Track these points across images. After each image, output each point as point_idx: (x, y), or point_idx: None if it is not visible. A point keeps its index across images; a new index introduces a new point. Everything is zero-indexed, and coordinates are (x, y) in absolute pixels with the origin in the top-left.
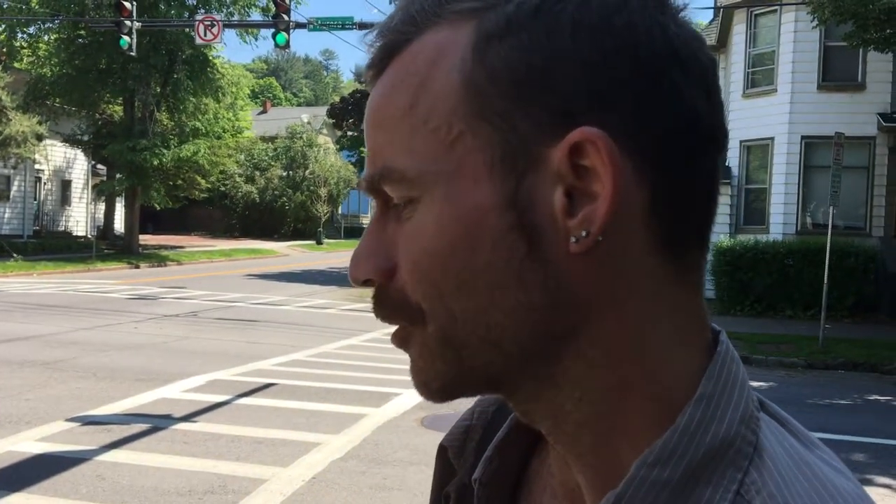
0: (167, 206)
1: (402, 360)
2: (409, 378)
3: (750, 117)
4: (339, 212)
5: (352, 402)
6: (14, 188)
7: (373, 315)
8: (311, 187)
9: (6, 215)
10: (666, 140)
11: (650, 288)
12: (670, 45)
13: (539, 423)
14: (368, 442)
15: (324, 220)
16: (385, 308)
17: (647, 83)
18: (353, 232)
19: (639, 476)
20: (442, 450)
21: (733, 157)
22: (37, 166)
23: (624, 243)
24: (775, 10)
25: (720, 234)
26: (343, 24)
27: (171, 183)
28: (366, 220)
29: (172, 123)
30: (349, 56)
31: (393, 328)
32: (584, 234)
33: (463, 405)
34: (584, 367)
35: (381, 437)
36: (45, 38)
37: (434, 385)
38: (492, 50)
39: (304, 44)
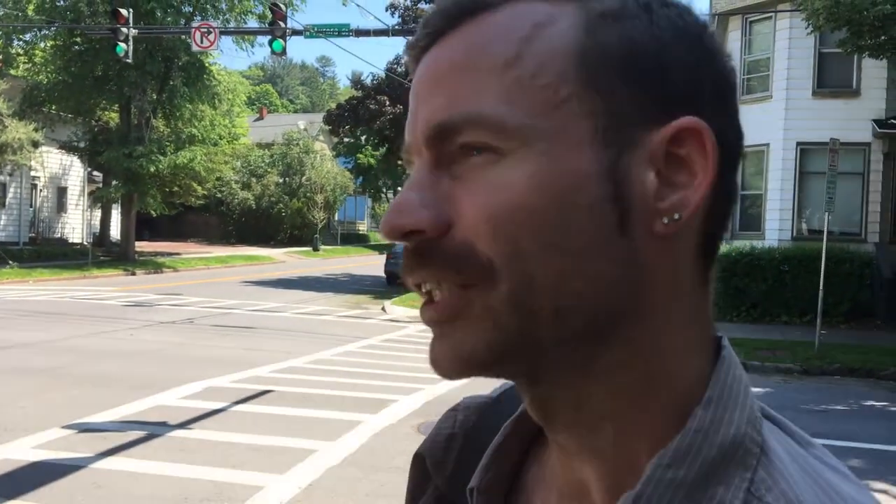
0: (163, 212)
1: (398, 367)
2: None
3: (745, 123)
4: (336, 218)
5: (349, 408)
6: (10, 195)
7: (371, 321)
8: (308, 194)
9: (2, 222)
10: (728, 154)
11: (689, 289)
12: (733, 78)
13: (556, 415)
14: (365, 448)
15: (320, 226)
16: (434, 264)
17: (721, 101)
18: (349, 238)
19: (656, 476)
20: (419, 458)
21: None
22: (33, 173)
23: (689, 240)
24: (770, 17)
25: None
26: (339, 31)
27: (167, 189)
28: (362, 227)
29: (169, 130)
30: (345, 63)
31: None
32: (676, 216)
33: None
34: (628, 354)
35: (378, 443)
36: (42, 45)
37: (478, 358)
38: (606, 27)
39: (301, 51)
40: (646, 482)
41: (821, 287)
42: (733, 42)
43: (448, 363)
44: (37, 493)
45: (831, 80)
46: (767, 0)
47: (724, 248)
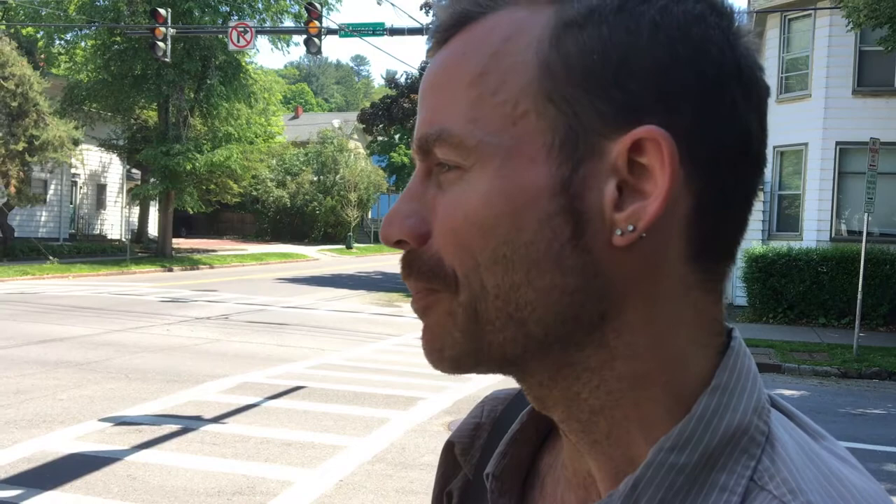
0: (200, 210)
1: (428, 365)
2: (436, 382)
3: (783, 123)
4: (369, 216)
5: (379, 405)
6: (51, 192)
7: (403, 319)
8: (342, 192)
9: (43, 218)
10: (718, 153)
11: (679, 291)
12: (737, 65)
13: (552, 410)
14: (395, 446)
15: (353, 224)
16: (415, 271)
17: (711, 96)
18: None
19: (657, 460)
20: (449, 446)
21: (766, 163)
22: (73, 170)
23: (662, 245)
24: (809, 15)
25: (752, 241)
26: (374, 30)
27: (203, 187)
28: None
29: (206, 128)
30: (380, 62)
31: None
32: (630, 228)
33: None
34: (605, 356)
35: (409, 440)
36: (82, 44)
37: (448, 353)
38: (570, 36)
39: (336, 50)
40: (646, 466)
41: (859, 289)
42: (771, 40)
43: (428, 355)
44: (74, 484)
45: (871, 78)
46: None
47: (761, 248)
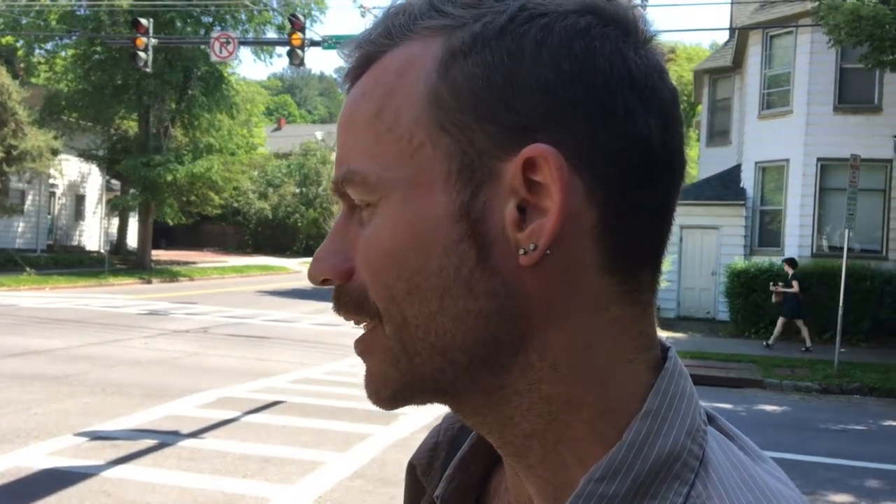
0: (180, 221)
1: None
2: None
3: (765, 139)
4: None
5: (360, 420)
6: (28, 202)
7: None
8: (324, 204)
9: (20, 229)
10: (617, 162)
11: (597, 304)
12: (628, 73)
13: (489, 436)
14: (376, 461)
15: None
16: (343, 306)
17: (602, 107)
18: None
19: (586, 491)
20: (411, 468)
21: (748, 179)
22: (51, 181)
23: (572, 259)
24: (791, 32)
25: (735, 256)
26: None
27: (184, 199)
28: None
29: (187, 139)
30: None
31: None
32: (532, 246)
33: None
34: (531, 378)
35: (389, 456)
36: (62, 53)
37: (384, 393)
38: (456, 65)
39: (320, 61)
40: (576, 497)
41: (840, 304)
42: (753, 56)
43: (368, 394)
44: (48, 500)
45: (852, 95)
46: (788, 15)
47: (742, 263)
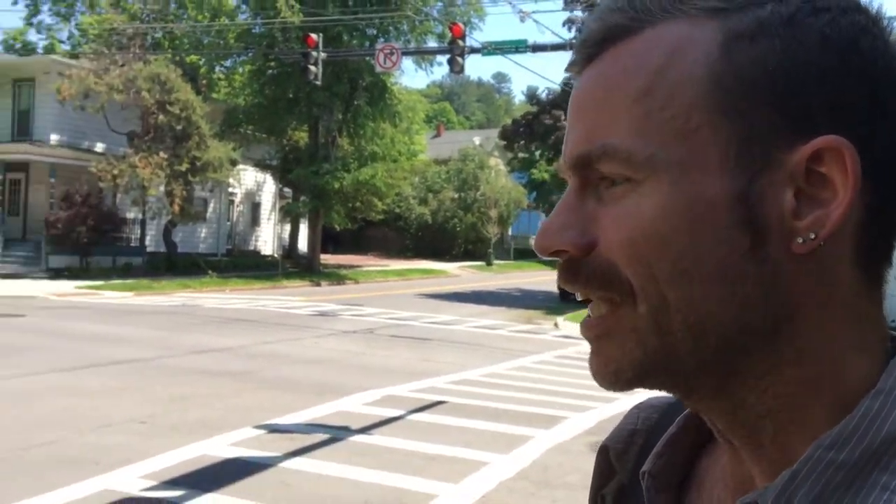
0: (346, 226)
1: (570, 384)
2: (578, 402)
3: None
4: (509, 233)
5: (521, 422)
6: (210, 210)
7: (543, 337)
8: (482, 209)
9: (203, 234)
10: (889, 160)
11: (846, 295)
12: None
13: (717, 417)
14: (538, 464)
15: (494, 241)
16: (583, 277)
17: (881, 104)
18: (522, 254)
19: (815, 456)
20: (603, 450)
21: None
22: (230, 189)
23: (837, 251)
24: None
25: None
26: (517, 47)
27: (350, 205)
28: None
29: (352, 148)
30: (521, 79)
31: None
32: (811, 236)
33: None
34: (773, 362)
35: (551, 459)
36: (240, 70)
37: (626, 374)
38: (741, 49)
39: (478, 68)
40: (804, 461)
41: None
42: None
43: (601, 378)
44: (231, 488)
45: None
46: None
47: None
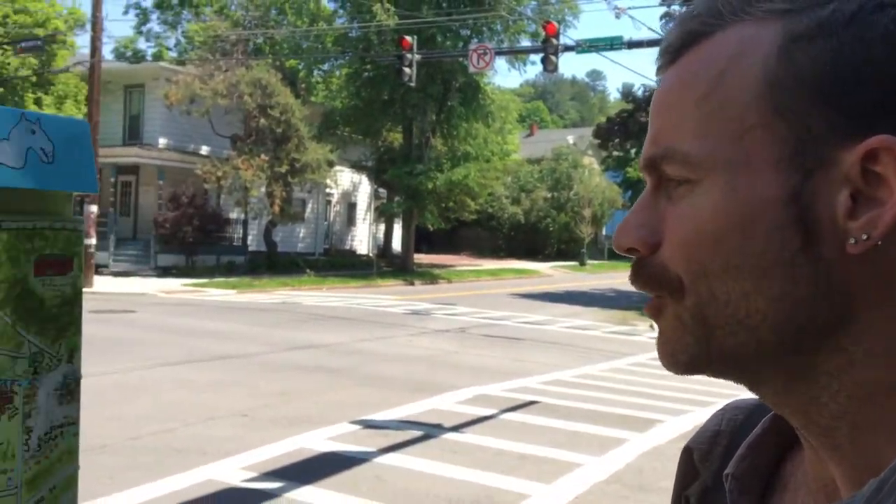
0: (439, 226)
1: (666, 387)
2: (673, 406)
3: None
4: (603, 233)
5: (614, 425)
6: (308, 210)
7: (638, 338)
8: (575, 208)
9: (301, 234)
10: None
11: None
12: None
13: (791, 416)
14: (632, 467)
15: (587, 241)
16: (642, 277)
17: None
18: (616, 254)
19: None
20: (687, 451)
21: None
22: (328, 190)
23: (892, 250)
24: None
25: None
26: (612, 44)
27: (443, 205)
28: None
29: (446, 148)
30: (616, 76)
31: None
32: (864, 236)
33: None
34: (842, 361)
35: (646, 463)
36: (337, 73)
37: (681, 357)
38: (799, 50)
39: (572, 66)
40: (893, 469)
41: None
42: None
43: (662, 357)
44: (327, 481)
45: None
46: None
47: None
